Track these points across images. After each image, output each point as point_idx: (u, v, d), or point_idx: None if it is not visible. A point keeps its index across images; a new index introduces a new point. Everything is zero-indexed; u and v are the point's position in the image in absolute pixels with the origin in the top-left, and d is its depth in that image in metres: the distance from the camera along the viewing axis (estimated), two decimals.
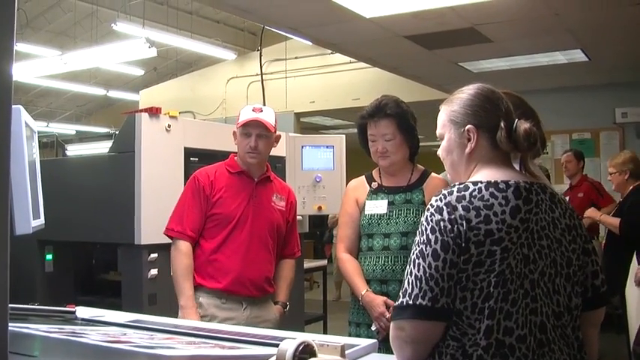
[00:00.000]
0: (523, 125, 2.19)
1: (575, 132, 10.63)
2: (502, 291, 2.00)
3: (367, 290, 3.55)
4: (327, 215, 11.76)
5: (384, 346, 2.41)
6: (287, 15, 7.01)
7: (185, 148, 4.97)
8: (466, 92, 2.28)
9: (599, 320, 2.31)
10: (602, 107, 10.11)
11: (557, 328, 2.09)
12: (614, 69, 9.70)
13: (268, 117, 3.94)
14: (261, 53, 11.94)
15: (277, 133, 4.05)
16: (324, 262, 8.89)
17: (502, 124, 2.19)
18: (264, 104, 11.84)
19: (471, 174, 2.21)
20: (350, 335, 3.66)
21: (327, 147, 5.57)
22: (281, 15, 7.04)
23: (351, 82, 12.00)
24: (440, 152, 2.34)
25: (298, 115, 13.25)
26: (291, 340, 1.85)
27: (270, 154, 4.59)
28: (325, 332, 7.50)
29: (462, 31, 7.38)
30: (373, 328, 3.49)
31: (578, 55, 8.81)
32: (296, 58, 12.72)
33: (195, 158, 4.97)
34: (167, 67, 16.27)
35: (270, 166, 4.17)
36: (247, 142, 3.93)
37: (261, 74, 11.87)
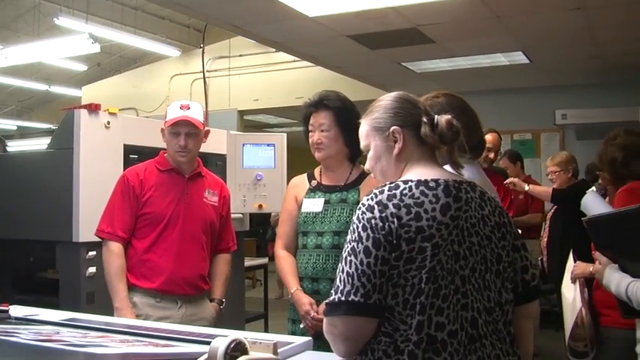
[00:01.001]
0: (444, 117, 2.25)
1: (517, 133, 10.79)
2: (433, 287, 2.03)
3: (297, 289, 3.57)
4: (270, 213, 11.74)
5: (323, 343, 2.42)
6: (230, 13, 6.99)
7: (125, 145, 4.91)
8: (384, 99, 2.34)
9: (533, 313, 2.35)
10: (543, 109, 10.26)
11: (488, 323, 2.12)
12: (555, 71, 9.86)
13: (196, 114, 3.92)
14: (203, 51, 11.89)
15: (206, 128, 4.05)
16: (266, 260, 8.86)
17: (424, 119, 2.25)
18: (207, 102, 11.75)
19: (401, 175, 2.24)
20: (288, 332, 3.68)
21: (268, 145, 5.56)
22: (224, 12, 7.02)
23: (295, 80, 11.99)
24: (367, 164, 2.38)
25: (242, 113, 13.22)
26: (223, 337, 1.85)
27: (211, 151, 4.56)
28: (266, 330, 7.48)
29: (405, 32, 7.44)
30: (301, 325, 3.53)
31: (519, 57, 8.95)
32: (240, 55, 12.67)
33: (135, 155, 4.93)
34: (111, 62, 16.09)
35: (201, 161, 4.16)
36: (177, 141, 3.90)
37: (203, 71, 11.82)
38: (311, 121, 3.69)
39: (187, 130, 3.89)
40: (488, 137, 6.41)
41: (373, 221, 2.06)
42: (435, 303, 2.03)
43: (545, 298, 8.42)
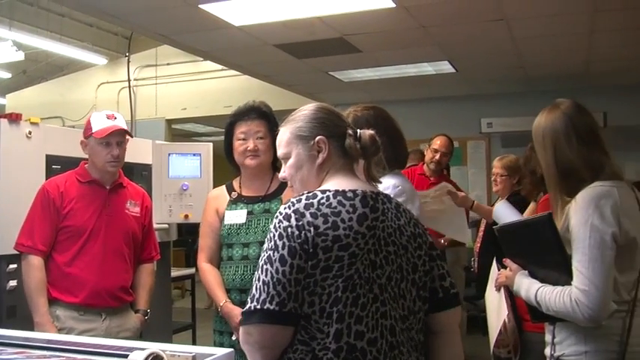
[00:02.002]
0: (367, 132, 2.30)
1: None
2: (351, 295, 2.05)
3: (226, 301, 3.55)
4: (198, 223, 11.65)
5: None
6: (156, 22, 6.95)
7: (47, 156, 4.82)
8: (307, 109, 2.35)
9: (457, 320, 2.39)
10: (469, 117, 10.41)
11: (404, 331, 2.16)
12: (480, 80, 10.02)
13: (123, 123, 3.92)
14: (129, 59, 11.75)
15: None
16: (193, 270, 8.78)
17: (350, 132, 2.28)
18: (133, 110, 11.57)
19: (320, 185, 2.26)
20: (215, 343, 3.66)
21: (194, 155, 5.53)
22: (150, 21, 6.97)
23: (222, 89, 11.95)
24: (285, 172, 2.38)
25: (170, 122, 13.11)
26: (141, 350, 1.84)
27: (136, 161, 4.51)
28: (194, 341, 7.43)
29: (332, 41, 7.49)
30: (234, 337, 3.51)
31: (445, 67, 9.07)
32: (168, 64, 12.58)
33: (58, 166, 4.83)
34: (37, 70, 15.76)
35: (127, 171, 4.13)
36: (108, 151, 3.86)
37: (129, 80, 11.68)
38: (243, 129, 3.67)
39: (118, 140, 3.88)
40: (437, 141, 6.48)
41: (289, 230, 2.08)
42: (354, 312, 2.05)
43: (472, 303, 8.55)
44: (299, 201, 2.15)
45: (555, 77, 9.53)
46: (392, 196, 3.09)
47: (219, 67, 10.73)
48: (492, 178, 6.26)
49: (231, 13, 6.53)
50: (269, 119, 3.66)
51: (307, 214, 2.10)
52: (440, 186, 5.58)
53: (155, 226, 5.36)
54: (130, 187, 4.14)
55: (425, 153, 6.86)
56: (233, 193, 3.79)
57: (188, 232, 15.03)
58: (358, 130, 2.31)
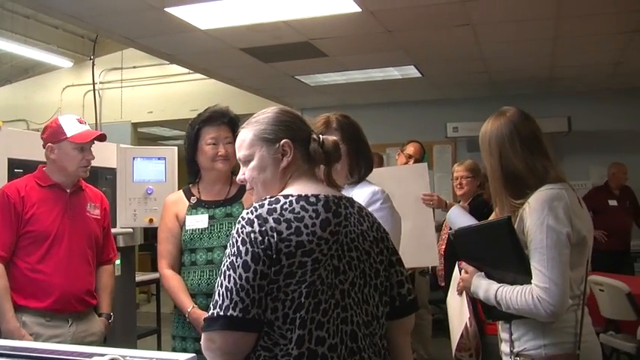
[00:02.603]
0: (330, 138, 2.31)
1: None
2: (313, 301, 2.05)
3: (194, 307, 3.54)
4: None
5: None
6: (121, 24, 6.91)
7: (9, 159, 4.78)
8: (270, 112, 2.34)
9: (410, 328, 2.42)
10: (435, 121, 10.46)
11: (366, 336, 2.16)
12: (446, 85, 10.09)
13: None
14: (93, 62, 11.65)
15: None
16: (157, 274, 8.72)
17: (314, 136, 2.28)
18: (97, 114, 11.46)
19: (282, 189, 2.26)
20: (175, 349, 3.64)
21: (159, 159, 5.51)
22: (115, 24, 6.93)
23: (189, 92, 11.88)
24: (246, 174, 2.35)
25: (136, 126, 13.02)
26: (100, 356, 1.83)
27: (101, 165, 4.48)
28: (159, 346, 7.41)
29: (298, 45, 7.49)
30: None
31: (411, 71, 9.11)
32: (134, 67, 12.50)
33: (21, 169, 4.80)
34: (1, 72, 15.62)
35: (91, 175, 4.10)
36: (83, 156, 3.86)
37: (94, 83, 11.59)
38: (213, 134, 3.69)
39: (90, 144, 3.89)
40: (411, 148, 6.52)
41: (252, 235, 2.06)
42: (316, 317, 2.05)
43: (438, 307, 8.59)
44: (262, 206, 2.14)
45: (520, 82, 9.62)
46: (382, 200, 3.14)
47: (186, 70, 10.68)
48: (456, 182, 6.29)
49: (197, 17, 6.51)
50: (235, 125, 3.67)
51: (270, 219, 2.09)
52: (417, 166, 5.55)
53: (119, 230, 5.35)
54: (88, 189, 4.12)
55: (397, 158, 6.91)
56: (192, 197, 3.78)
57: (154, 236, 14.94)
58: (321, 136, 2.31)
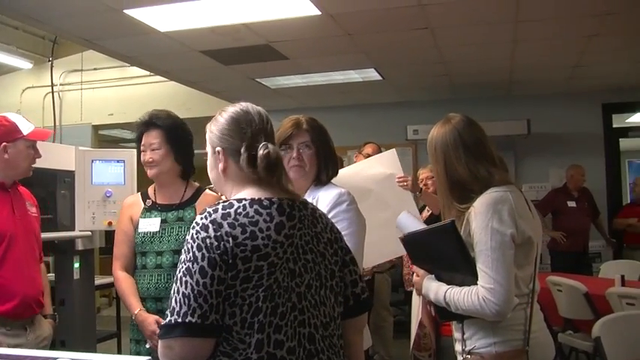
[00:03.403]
0: (263, 150, 2.22)
1: None
2: (270, 305, 2.05)
3: (140, 309, 3.55)
4: None
5: None
6: (80, 26, 6.84)
7: None
8: (223, 114, 2.34)
9: (363, 326, 2.47)
10: (396, 124, 10.50)
11: (325, 338, 2.18)
12: (406, 88, 10.14)
13: None
14: (52, 64, 11.56)
15: None
16: None
17: (242, 150, 2.23)
18: (56, 115, 11.34)
19: (232, 191, 2.26)
20: (131, 352, 3.63)
21: (118, 161, 5.47)
22: (74, 26, 6.86)
23: (150, 95, 11.80)
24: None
25: (96, 128, 12.92)
26: None
27: (59, 168, 4.43)
28: (119, 350, 7.36)
29: (258, 48, 7.48)
30: (147, 345, 3.50)
31: (372, 74, 9.13)
32: (95, 69, 12.40)
33: None
34: None
35: (49, 178, 4.06)
36: (33, 153, 3.82)
37: (52, 85, 11.49)
38: (143, 141, 3.74)
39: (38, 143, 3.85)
40: (368, 149, 6.53)
41: (208, 240, 2.06)
42: (273, 321, 2.06)
43: (399, 308, 8.64)
44: (215, 211, 2.14)
45: (480, 85, 9.69)
46: (348, 202, 3.16)
47: (147, 72, 10.63)
48: (422, 184, 6.32)
49: (156, 19, 6.48)
50: (165, 129, 3.68)
51: (225, 224, 2.09)
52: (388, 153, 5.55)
53: (78, 233, 5.31)
54: (21, 189, 4.00)
55: (354, 160, 6.90)
56: (148, 200, 3.79)
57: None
58: (260, 145, 2.23)
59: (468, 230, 2.81)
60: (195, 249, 2.08)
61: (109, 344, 7.35)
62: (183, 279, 2.06)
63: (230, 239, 2.06)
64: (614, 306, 5.33)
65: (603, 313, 4.87)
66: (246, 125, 2.27)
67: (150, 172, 3.73)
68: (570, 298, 5.94)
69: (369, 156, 6.48)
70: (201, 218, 2.13)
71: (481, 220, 2.75)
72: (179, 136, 3.71)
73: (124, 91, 12.25)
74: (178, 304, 2.03)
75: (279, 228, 2.14)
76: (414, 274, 3.07)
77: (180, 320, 2.01)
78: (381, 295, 7.27)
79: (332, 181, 3.31)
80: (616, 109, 10.74)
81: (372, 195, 5.02)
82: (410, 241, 3.00)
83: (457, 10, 6.41)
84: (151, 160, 3.68)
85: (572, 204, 9.27)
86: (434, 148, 3.01)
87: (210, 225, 2.09)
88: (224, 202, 2.19)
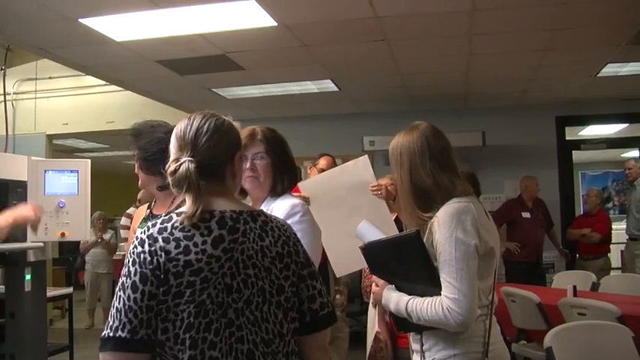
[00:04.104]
0: (173, 165, 2.18)
1: None
2: (204, 321, 2.03)
3: None
4: (79, 241, 11.48)
5: None
6: (34, 35, 6.77)
7: None
8: (180, 123, 2.28)
9: (325, 343, 2.39)
10: (352, 135, 10.48)
11: (267, 355, 2.13)
12: (363, 99, 10.18)
13: None
14: (5, 73, 11.39)
15: None
16: (70, 289, 8.52)
17: (163, 170, 2.24)
18: (8, 125, 11.20)
19: (171, 202, 2.26)
20: None
21: (72, 172, 5.42)
22: (28, 34, 6.79)
23: (105, 104, 11.69)
24: None
25: (51, 137, 12.76)
26: None
27: (11, 178, 4.37)
28: None
29: (213, 58, 7.46)
30: None
31: (328, 85, 9.15)
32: (50, 78, 12.26)
33: None
34: None
35: (1, 188, 4.00)
36: None
37: (4, 94, 11.31)
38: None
39: None
40: (323, 161, 6.49)
41: (142, 255, 2.06)
42: (208, 337, 2.03)
43: (355, 319, 8.64)
44: (154, 225, 2.13)
45: (437, 97, 9.76)
46: (301, 213, 3.14)
47: (102, 82, 10.56)
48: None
49: (111, 28, 6.42)
50: (134, 140, 3.64)
51: (160, 238, 2.08)
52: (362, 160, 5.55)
53: (30, 244, 5.25)
54: None
55: (309, 173, 6.85)
56: (147, 211, 3.76)
57: (70, 250, 14.70)
58: (182, 160, 2.17)
59: (430, 240, 2.79)
60: (130, 264, 2.08)
61: (61, 357, 7.26)
62: (118, 293, 2.06)
63: (163, 254, 2.05)
64: (567, 316, 5.38)
65: (556, 323, 4.92)
66: (178, 138, 2.24)
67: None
68: (523, 308, 6.00)
69: (322, 170, 6.45)
70: (141, 233, 2.12)
71: (445, 230, 2.73)
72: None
73: (80, 101, 12.11)
74: (112, 318, 2.05)
75: (217, 242, 2.10)
76: (374, 285, 3.04)
77: (111, 334, 2.03)
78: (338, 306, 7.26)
79: (302, 188, 3.31)
80: (569, 121, 10.92)
81: (345, 203, 5.04)
82: (370, 250, 2.97)
83: (413, 23, 6.46)
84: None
85: (526, 215, 9.37)
86: (399, 154, 2.97)
87: (146, 239, 2.09)
88: (165, 215, 2.18)
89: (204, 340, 2.02)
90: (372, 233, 2.99)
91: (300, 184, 5.37)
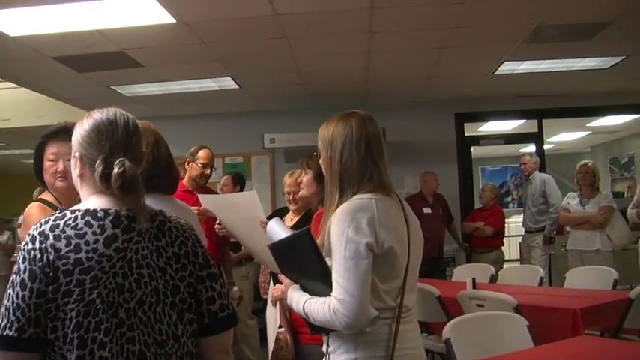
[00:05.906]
0: (118, 168, 2.13)
1: (228, 156, 10.96)
2: (93, 320, 2.00)
3: None
4: None
5: None
6: None
7: None
8: (89, 119, 2.24)
9: (226, 345, 2.36)
10: (253, 133, 10.50)
11: (159, 356, 2.10)
12: (263, 97, 10.21)
13: None
14: None
15: None
16: None
17: (97, 163, 2.16)
18: None
19: (86, 198, 2.21)
20: None
21: None
22: None
23: (0, 101, 11.42)
24: None
25: None
26: None
27: None
28: None
29: (112, 55, 7.34)
30: None
31: (228, 83, 9.14)
32: None
33: None
34: None
35: None
36: None
37: None
38: (54, 150, 3.55)
39: None
40: (202, 154, 6.22)
41: (33, 252, 2.03)
42: (98, 337, 2.00)
43: (259, 316, 8.65)
44: (47, 222, 2.09)
45: (337, 94, 9.80)
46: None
47: None
48: (289, 197, 6.23)
49: (5, 23, 6.23)
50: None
51: (51, 235, 2.04)
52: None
53: None
54: None
55: (186, 167, 6.45)
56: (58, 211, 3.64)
57: None
58: (117, 161, 2.14)
59: (330, 237, 2.74)
60: (20, 261, 2.04)
61: None
62: (8, 291, 2.02)
63: (53, 251, 2.02)
64: (466, 308, 5.48)
65: (455, 315, 5.01)
66: (106, 137, 2.19)
67: (61, 184, 3.56)
68: (424, 301, 6.08)
69: (205, 166, 6.13)
70: (34, 229, 2.08)
71: (338, 228, 2.68)
72: None
73: None
74: (1, 316, 2.01)
75: (110, 241, 2.07)
76: (272, 282, 3.02)
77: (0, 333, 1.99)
78: (245, 303, 7.24)
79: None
80: (468, 118, 11.18)
81: (242, 225, 5.07)
82: (274, 250, 2.95)
83: (312, 20, 6.49)
84: (66, 170, 3.48)
85: (427, 210, 9.51)
86: (330, 139, 2.90)
87: (37, 236, 2.05)
88: (59, 212, 2.14)
89: (93, 340, 1.99)
90: (279, 233, 2.97)
91: (200, 197, 5.36)
